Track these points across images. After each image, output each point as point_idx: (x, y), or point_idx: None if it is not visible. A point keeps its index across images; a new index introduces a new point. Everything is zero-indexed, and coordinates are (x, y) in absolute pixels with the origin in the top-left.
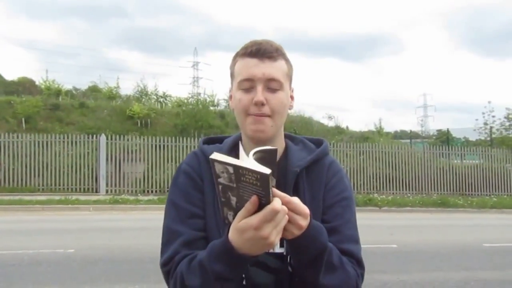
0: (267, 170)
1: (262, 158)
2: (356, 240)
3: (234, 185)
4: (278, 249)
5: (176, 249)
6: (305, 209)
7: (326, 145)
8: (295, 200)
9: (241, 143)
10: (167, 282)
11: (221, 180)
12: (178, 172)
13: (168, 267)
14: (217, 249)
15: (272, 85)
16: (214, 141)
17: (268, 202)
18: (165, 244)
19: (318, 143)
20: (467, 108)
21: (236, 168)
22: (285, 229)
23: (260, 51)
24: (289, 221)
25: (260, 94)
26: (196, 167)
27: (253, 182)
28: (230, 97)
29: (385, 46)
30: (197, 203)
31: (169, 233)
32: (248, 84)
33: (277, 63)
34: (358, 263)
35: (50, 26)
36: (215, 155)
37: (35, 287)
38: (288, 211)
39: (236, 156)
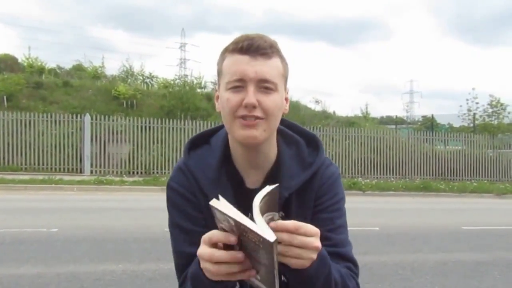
0: (271, 237)
1: (265, 201)
2: (347, 243)
3: (236, 234)
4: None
5: None
6: (315, 229)
7: (321, 152)
8: (302, 224)
9: (231, 151)
10: None
11: (222, 225)
12: (170, 191)
13: (183, 286)
14: (191, 273)
15: (265, 85)
16: (200, 142)
17: (272, 266)
18: (180, 268)
19: (312, 144)
20: (452, 95)
21: (238, 223)
22: (300, 257)
23: (253, 47)
24: (303, 247)
25: (251, 95)
26: (186, 185)
27: (255, 241)
28: (217, 97)
29: (373, 31)
30: (200, 222)
31: (182, 257)
32: (238, 84)
33: (271, 61)
34: (354, 264)
35: (33, 1)
36: (215, 203)
37: (18, 266)
38: (300, 236)
39: (229, 166)
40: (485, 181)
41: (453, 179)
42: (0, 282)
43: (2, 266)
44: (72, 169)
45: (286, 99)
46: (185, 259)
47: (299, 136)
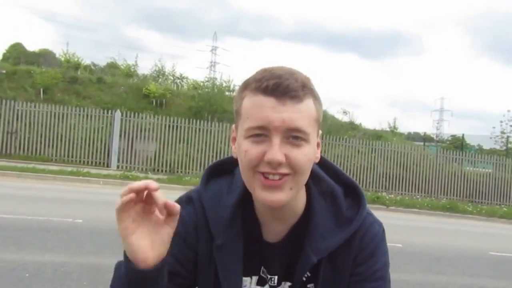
0: None
1: None
2: None
3: None
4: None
5: None
6: None
7: (364, 205)
8: None
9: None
10: None
11: None
12: (191, 238)
13: None
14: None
15: (295, 136)
16: (223, 170)
17: None
18: None
19: (352, 196)
20: (483, 116)
21: None
22: None
23: (281, 87)
24: None
25: (277, 149)
26: (193, 218)
27: None
28: (233, 139)
29: (405, 46)
30: (187, 264)
31: None
32: (259, 133)
33: (303, 105)
34: None
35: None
36: None
37: (43, 253)
38: None
39: (247, 211)
40: None
41: (481, 202)
42: (25, 267)
43: (28, 252)
44: (100, 163)
45: (318, 144)
46: None
47: (335, 181)
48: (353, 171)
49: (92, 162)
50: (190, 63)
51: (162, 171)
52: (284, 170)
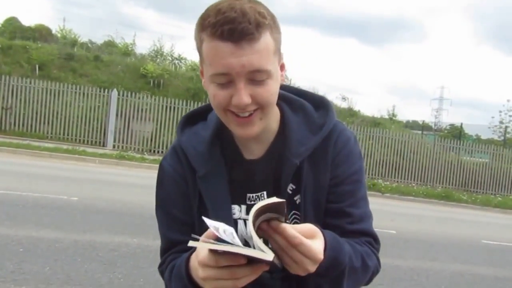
0: (269, 256)
1: (267, 209)
2: (368, 216)
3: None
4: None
5: (173, 256)
6: (317, 254)
7: (332, 114)
8: (307, 243)
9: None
10: (163, 279)
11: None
12: (161, 171)
13: (161, 268)
14: (178, 269)
15: (257, 76)
16: (196, 119)
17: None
18: (161, 251)
19: (321, 106)
20: (482, 106)
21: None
22: (291, 268)
23: (235, 32)
24: (297, 262)
25: (242, 93)
26: (178, 167)
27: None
28: (201, 72)
29: (407, 32)
30: (187, 211)
31: (163, 241)
32: (224, 79)
33: (260, 43)
34: (375, 239)
35: None
36: (203, 245)
37: (37, 229)
38: (297, 252)
39: (225, 138)
40: (511, 197)
41: (476, 192)
42: (20, 243)
43: (23, 228)
44: (96, 142)
45: (282, 66)
46: (165, 244)
47: (305, 99)
48: None
49: (87, 141)
50: (189, 44)
51: (158, 152)
52: (251, 107)
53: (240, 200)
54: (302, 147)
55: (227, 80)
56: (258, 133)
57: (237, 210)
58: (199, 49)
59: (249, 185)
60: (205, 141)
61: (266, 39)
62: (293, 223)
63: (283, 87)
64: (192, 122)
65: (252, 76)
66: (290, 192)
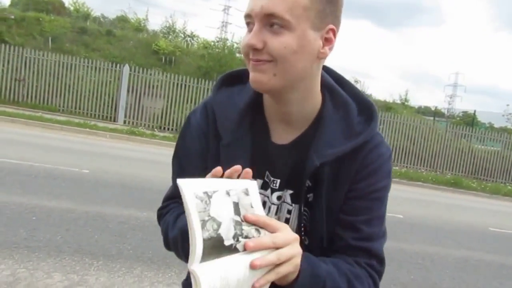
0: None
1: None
2: (379, 236)
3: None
4: None
5: (177, 204)
6: (290, 235)
7: (374, 125)
8: (277, 236)
9: (263, 99)
10: (159, 223)
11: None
12: (187, 125)
13: (160, 211)
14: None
15: (272, 22)
16: (236, 80)
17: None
18: (168, 197)
19: (366, 113)
20: (497, 93)
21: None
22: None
23: None
24: (282, 262)
25: (252, 35)
26: (204, 127)
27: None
28: None
29: (424, 15)
30: (202, 170)
31: (174, 191)
32: (247, 21)
33: None
34: (380, 261)
35: None
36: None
37: (50, 199)
38: (276, 251)
39: (257, 113)
40: None
41: (486, 180)
42: (32, 211)
43: (35, 197)
44: (106, 116)
45: (327, 39)
46: (172, 191)
47: (352, 99)
48: None
49: (99, 116)
50: (202, 22)
51: (168, 129)
52: (263, 56)
53: (258, 175)
54: (329, 149)
55: (250, 22)
56: (268, 88)
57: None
58: None
59: (269, 166)
60: (238, 108)
61: None
62: (304, 219)
63: (335, 78)
64: (230, 83)
65: (268, 20)
66: (306, 187)
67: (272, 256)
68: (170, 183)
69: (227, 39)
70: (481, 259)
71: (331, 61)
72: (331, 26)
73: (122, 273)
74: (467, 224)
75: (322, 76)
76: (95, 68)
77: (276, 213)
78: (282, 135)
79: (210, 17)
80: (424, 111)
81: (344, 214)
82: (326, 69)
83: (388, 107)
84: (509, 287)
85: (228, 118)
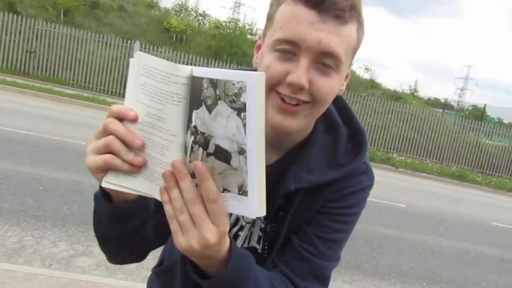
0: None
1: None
2: (332, 259)
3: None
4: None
5: None
6: (223, 214)
7: (361, 157)
8: (211, 182)
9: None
10: None
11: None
12: None
13: None
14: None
15: (326, 61)
16: None
17: None
18: None
19: (356, 140)
20: (509, 89)
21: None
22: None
23: (327, 2)
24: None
25: (302, 72)
26: None
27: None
28: (257, 47)
29: (441, 5)
30: None
31: None
32: (288, 48)
33: (345, 28)
34: (323, 283)
35: None
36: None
37: (57, 171)
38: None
39: None
40: None
41: (492, 174)
42: (40, 181)
43: (42, 168)
44: (115, 92)
45: (347, 76)
46: None
47: (345, 122)
48: (367, 130)
49: (108, 91)
50: (214, 1)
51: None
52: (303, 97)
53: None
54: (308, 175)
55: (291, 51)
56: (296, 131)
57: None
58: (272, 13)
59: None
60: None
61: (352, 28)
62: (271, 235)
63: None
64: None
65: (322, 58)
66: (277, 206)
67: (210, 183)
68: None
69: (239, 20)
70: (482, 252)
71: None
72: (352, 63)
73: None
74: (470, 218)
75: None
76: (106, 43)
77: (249, 230)
78: (267, 155)
79: None
80: (434, 103)
81: (306, 224)
82: None
83: (397, 96)
84: (507, 280)
85: None
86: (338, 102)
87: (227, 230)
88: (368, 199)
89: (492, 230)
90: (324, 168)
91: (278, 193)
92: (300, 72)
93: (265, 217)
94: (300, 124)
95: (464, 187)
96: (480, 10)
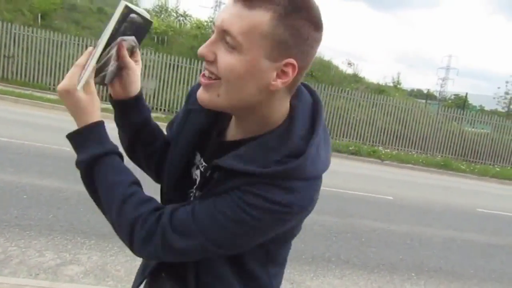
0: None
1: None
2: (200, 227)
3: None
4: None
5: None
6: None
7: (289, 169)
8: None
9: None
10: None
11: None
12: (187, 96)
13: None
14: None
15: (227, 39)
16: None
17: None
18: None
19: (307, 139)
20: (490, 76)
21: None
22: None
23: None
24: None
25: (206, 44)
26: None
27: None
28: None
29: None
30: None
31: None
32: (213, 30)
33: (250, 12)
34: (180, 235)
35: None
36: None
37: (41, 178)
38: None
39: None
40: (509, 168)
41: (476, 162)
42: (23, 189)
43: (26, 176)
44: (98, 96)
45: (283, 72)
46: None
47: (300, 126)
48: (352, 124)
49: None
50: (194, 1)
51: (160, 109)
52: (213, 69)
53: (203, 152)
54: (234, 160)
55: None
56: (211, 107)
57: (198, 157)
58: None
59: (210, 152)
60: None
61: (263, 15)
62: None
63: (295, 107)
64: None
65: (224, 36)
66: (208, 174)
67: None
68: None
69: None
70: (468, 239)
71: (326, 44)
72: (290, 60)
73: (115, 252)
74: (456, 205)
75: (294, 106)
76: (86, 46)
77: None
78: (232, 132)
79: None
80: (417, 94)
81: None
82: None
83: (380, 89)
84: (494, 265)
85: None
86: (312, 117)
87: (66, 87)
88: (356, 193)
89: (477, 217)
90: (261, 160)
91: (212, 164)
92: (204, 45)
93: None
94: (212, 100)
95: (449, 175)
96: (456, 0)
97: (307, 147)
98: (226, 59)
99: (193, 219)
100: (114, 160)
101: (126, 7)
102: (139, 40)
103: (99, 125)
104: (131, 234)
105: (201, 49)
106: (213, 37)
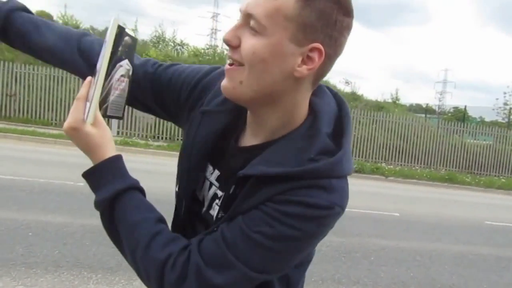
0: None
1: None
2: (239, 260)
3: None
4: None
5: None
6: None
7: (325, 166)
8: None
9: None
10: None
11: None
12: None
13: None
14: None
15: (252, 23)
16: None
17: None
18: None
19: (337, 137)
20: (487, 88)
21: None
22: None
23: None
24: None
25: (230, 29)
26: (204, 79)
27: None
28: None
29: (411, 14)
30: (174, 93)
31: None
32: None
33: None
34: (216, 268)
35: None
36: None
37: (45, 214)
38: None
39: (244, 112)
40: None
41: (480, 174)
42: (28, 227)
43: (30, 212)
44: None
45: (309, 57)
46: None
47: (327, 130)
48: (354, 142)
49: None
50: (191, 30)
51: (162, 138)
52: (236, 55)
53: (217, 163)
54: (262, 166)
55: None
56: (235, 97)
57: (210, 170)
58: None
59: (218, 166)
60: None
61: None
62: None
63: (316, 107)
64: None
65: (248, 20)
66: (232, 189)
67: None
68: (166, 193)
69: (217, 46)
70: (479, 253)
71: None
72: (316, 44)
73: (122, 285)
74: (463, 219)
75: (314, 103)
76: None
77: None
78: (246, 139)
79: (199, 25)
80: (416, 109)
81: (241, 214)
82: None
83: (380, 106)
84: (508, 279)
85: (213, 101)
86: (340, 117)
87: (73, 124)
88: (361, 211)
89: (486, 230)
90: (292, 160)
91: (235, 176)
92: (228, 31)
93: (224, 195)
94: (236, 87)
95: (455, 189)
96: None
97: (343, 143)
98: (250, 42)
99: (226, 247)
100: (136, 196)
101: (119, 27)
102: (131, 61)
103: (118, 158)
104: (161, 278)
105: (226, 35)
106: (237, 22)
